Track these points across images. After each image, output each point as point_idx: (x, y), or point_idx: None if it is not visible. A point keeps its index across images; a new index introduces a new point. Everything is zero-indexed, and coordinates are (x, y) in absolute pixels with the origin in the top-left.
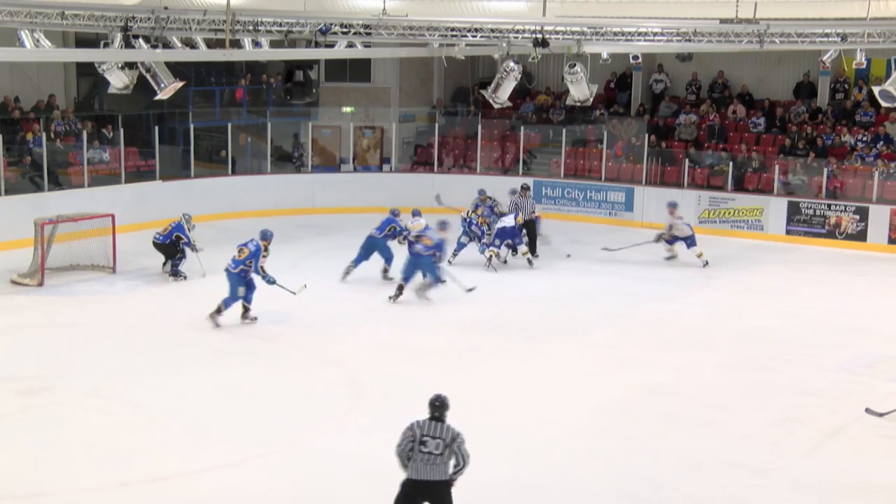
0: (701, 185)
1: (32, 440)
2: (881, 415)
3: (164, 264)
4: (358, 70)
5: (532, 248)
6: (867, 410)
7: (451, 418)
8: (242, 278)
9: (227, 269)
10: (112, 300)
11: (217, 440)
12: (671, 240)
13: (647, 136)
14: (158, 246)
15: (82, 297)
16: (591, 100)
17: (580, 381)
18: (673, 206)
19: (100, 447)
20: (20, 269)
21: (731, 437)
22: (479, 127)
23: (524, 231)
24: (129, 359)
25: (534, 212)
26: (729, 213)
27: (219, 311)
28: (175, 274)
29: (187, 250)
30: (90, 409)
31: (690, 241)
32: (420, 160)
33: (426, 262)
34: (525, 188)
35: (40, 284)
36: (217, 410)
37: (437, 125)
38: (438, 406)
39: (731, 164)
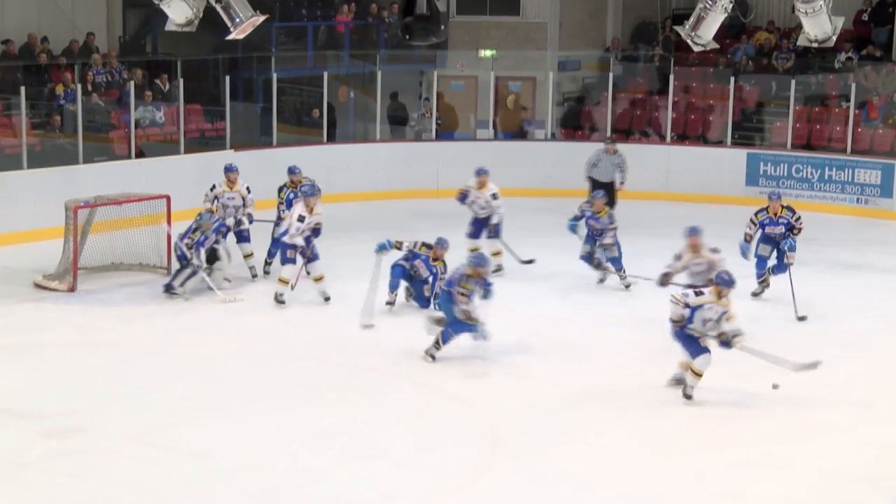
0: None
1: (59, 497)
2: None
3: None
4: None
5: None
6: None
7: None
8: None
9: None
10: (166, 312)
11: None
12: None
13: None
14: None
15: (127, 307)
16: (835, 39)
17: (812, 436)
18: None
19: None
20: (46, 269)
21: None
22: (672, 78)
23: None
24: (188, 393)
25: (618, 180)
26: None
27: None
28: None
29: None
30: (135, 459)
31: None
32: (586, 123)
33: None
34: (611, 141)
35: (72, 290)
36: (307, 464)
37: (611, 75)
38: None
39: None
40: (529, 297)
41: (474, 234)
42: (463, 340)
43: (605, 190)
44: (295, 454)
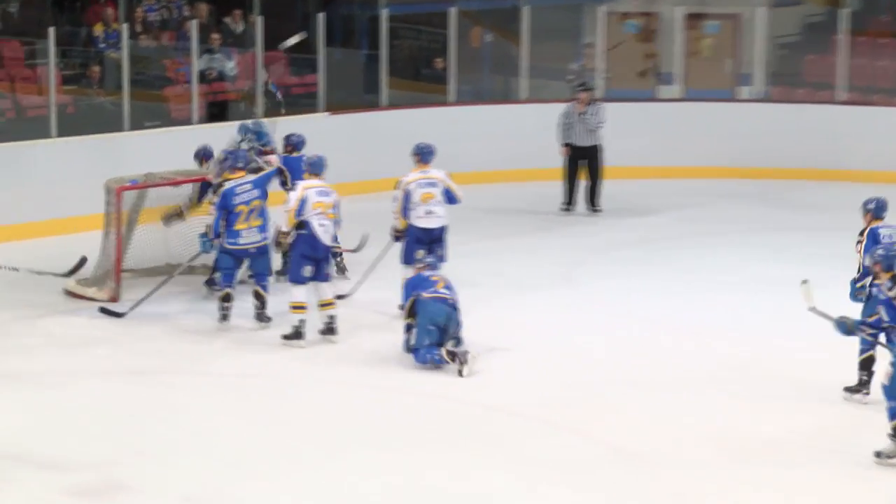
0: None
1: None
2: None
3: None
4: None
5: (592, 200)
6: None
7: None
8: None
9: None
10: (232, 331)
11: None
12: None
13: None
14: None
15: (183, 323)
16: None
17: None
18: None
19: None
20: (81, 273)
21: None
22: None
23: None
24: (257, 437)
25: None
26: None
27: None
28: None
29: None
30: None
31: None
32: (811, 78)
33: None
34: (585, 88)
35: (114, 299)
36: None
37: (842, 13)
38: None
39: None
40: (728, 317)
41: None
42: (637, 375)
43: (588, 159)
44: None
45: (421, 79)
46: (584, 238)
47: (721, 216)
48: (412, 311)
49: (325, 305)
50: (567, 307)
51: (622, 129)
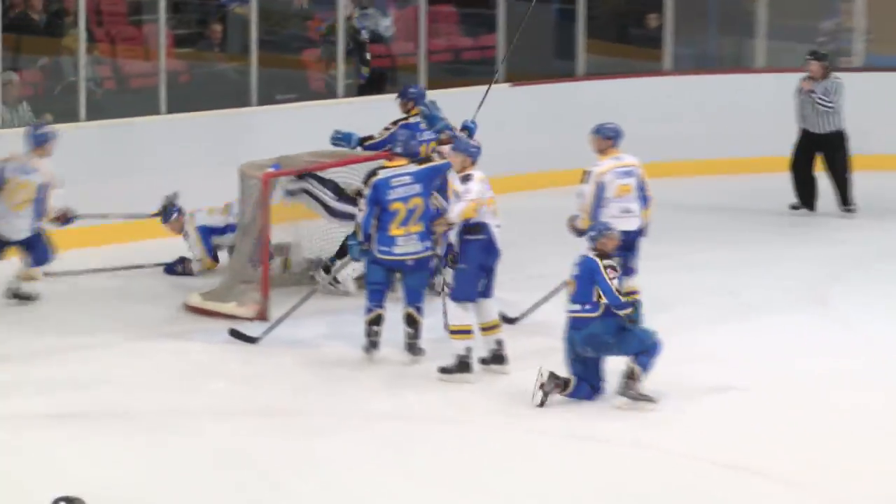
0: None
1: None
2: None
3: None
4: None
5: (844, 200)
6: None
7: None
8: None
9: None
10: (385, 363)
11: None
12: None
13: None
14: None
15: (324, 351)
16: None
17: None
18: None
19: None
20: (206, 282)
21: None
22: None
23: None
24: (417, 498)
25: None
26: None
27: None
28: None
29: None
30: None
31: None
32: None
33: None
34: (815, 57)
35: (263, 317)
36: None
37: None
38: None
39: None
40: None
41: None
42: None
43: (826, 149)
44: None
45: (628, 41)
46: (834, 246)
47: None
48: None
49: (490, 328)
50: (817, 336)
51: (884, 106)
